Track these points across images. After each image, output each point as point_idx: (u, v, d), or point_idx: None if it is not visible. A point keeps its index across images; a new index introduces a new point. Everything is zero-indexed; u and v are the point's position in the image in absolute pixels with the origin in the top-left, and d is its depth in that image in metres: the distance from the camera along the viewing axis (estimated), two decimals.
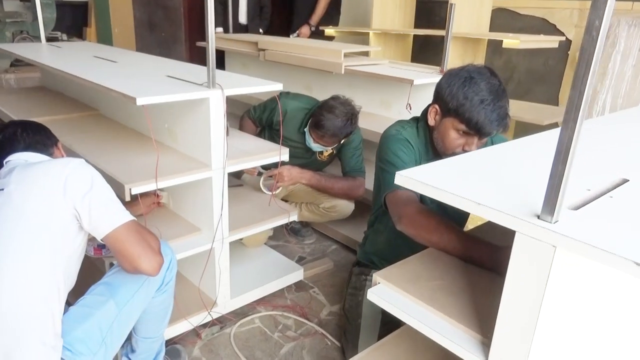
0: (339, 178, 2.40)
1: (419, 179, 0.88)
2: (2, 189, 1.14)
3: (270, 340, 1.87)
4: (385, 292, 1.05)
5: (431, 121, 1.46)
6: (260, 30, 4.66)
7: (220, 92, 1.61)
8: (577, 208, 0.81)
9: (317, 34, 4.15)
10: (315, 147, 2.30)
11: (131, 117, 2.13)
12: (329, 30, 3.99)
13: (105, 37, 6.04)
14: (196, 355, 1.77)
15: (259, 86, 1.78)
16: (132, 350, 1.49)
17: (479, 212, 0.80)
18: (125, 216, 1.20)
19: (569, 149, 0.70)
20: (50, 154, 1.38)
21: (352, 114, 2.22)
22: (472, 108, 1.31)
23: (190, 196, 1.84)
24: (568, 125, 0.69)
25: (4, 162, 1.29)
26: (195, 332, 1.85)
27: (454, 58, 3.29)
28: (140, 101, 1.44)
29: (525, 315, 0.77)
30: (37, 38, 5.53)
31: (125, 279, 1.27)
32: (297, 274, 2.19)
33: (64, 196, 1.12)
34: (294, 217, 2.05)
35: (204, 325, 1.87)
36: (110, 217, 1.17)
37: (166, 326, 1.54)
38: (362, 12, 3.84)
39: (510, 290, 0.79)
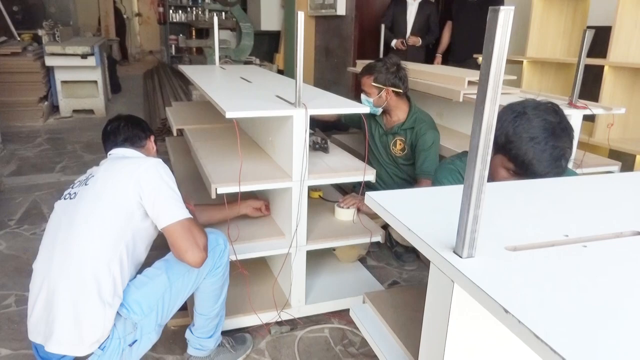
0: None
1: (377, 199, 0.90)
2: (93, 175, 1.50)
3: (331, 352, 1.93)
4: (365, 312, 1.06)
5: None
6: (420, 42, 4.74)
7: (303, 111, 1.77)
8: (514, 249, 0.74)
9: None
10: (364, 99, 2.51)
11: (255, 130, 2.44)
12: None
13: (289, 62, 6.80)
14: (261, 348, 1.94)
15: (346, 107, 1.89)
16: (193, 324, 1.73)
17: (408, 237, 0.79)
18: (181, 214, 1.43)
19: (474, 181, 0.66)
20: (143, 146, 1.74)
21: (396, 64, 2.50)
22: (520, 145, 1.21)
23: (279, 203, 2.04)
24: (474, 161, 0.66)
25: (108, 154, 1.67)
26: (268, 327, 2.02)
27: (619, 91, 2.90)
28: (229, 114, 1.68)
29: (435, 340, 0.74)
30: (237, 62, 6.55)
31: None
32: None
33: (133, 189, 1.41)
34: (377, 238, 2.08)
35: (279, 323, 2.03)
36: (168, 213, 1.42)
37: (219, 308, 1.71)
38: (521, 38, 3.61)
39: (426, 318, 0.76)
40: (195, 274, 1.54)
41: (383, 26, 3.81)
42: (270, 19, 7.24)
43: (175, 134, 2.69)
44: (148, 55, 13.49)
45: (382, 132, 2.62)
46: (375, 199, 0.90)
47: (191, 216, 1.47)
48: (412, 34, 4.83)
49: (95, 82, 5.94)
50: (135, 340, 1.45)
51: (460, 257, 0.69)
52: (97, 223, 1.40)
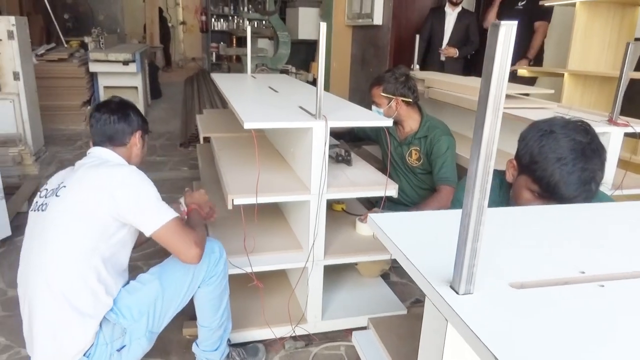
0: (428, 201, 2.35)
1: (378, 221, 0.85)
2: (65, 186, 1.43)
3: None
4: (368, 339, 1.00)
5: (508, 176, 1.29)
6: (457, 53, 4.63)
7: (323, 123, 1.74)
8: (521, 287, 0.67)
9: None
10: (375, 109, 2.47)
11: (279, 141, 2.42)
12: (521, 71, 3.71)
13: (325, 71, 6.79)
14: None
15: (367, 120, 1.84)
16: (198, 338, 1.71)
17: (405, 267, 0.73)
18: (164, 217, 1.41)
19: (472, 212, 0.60)
20: (125, 144, 1.61)
21: (404, 75, 2.47)
22: (546, 166, 1.13)
23: (298, 215, 2.00)
24: (472, 189, 0.60)
25: (87, 152, 1.59)
26: (282, 341, 1.98)
27: None
28: (247, 125, 1.66)
29: None
30: (273, 70, 6.61)
31: (175, 266, 1.52)
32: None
33: (107, 204, 1.37)
34: None
35: (294, 339, 1.99)
36: (152, 220, 1.40)
37: (221, 319, 1.68)
38: (563, 49, 3.45)
39: (420, 356, 0.70)
40: (189, 281, 1.54)
41: (418, 36, 3.74)
42: (307, 28, 7.27)
43: (201, 141, 2.70)
44: (191, 62, 13.82)
45: (397, 144, 2.57)
46: (376, 221, 0.84)
47: (176, 215, 1.45)
48: (449, 44, 4.73)
49: (136, 88, 6.12)
50: (124, 346, 1.45)
51: (457, 293, 0.63)
52: (68, 238, 1.37)
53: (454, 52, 4.66)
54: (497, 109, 0.55)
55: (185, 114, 6.38)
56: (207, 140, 2.79)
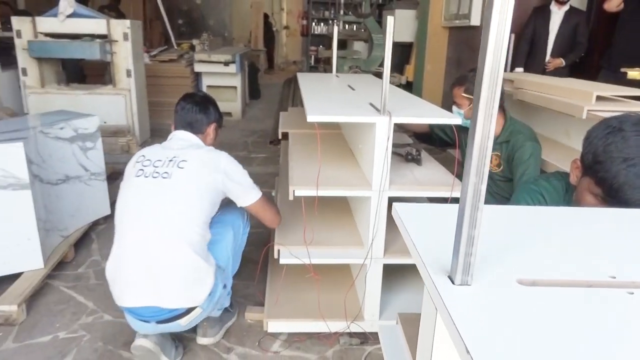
0: None
1: (399, 210, 0.82)
2: (178, 160, 1.72)
3: None
4: (394, 334, 0.97)
5: (572, 178, 1.18)
6: (563, 63, 4.31)
7: (387, 119, 1.71)
8: (532, 284, 0.61)
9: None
10: (455, 110, 2.37)
11: (351, 137, 2.43)
12: (632, 73, 3.35)
13: (419, 74, 6.67)
14: (327, 356, 1.91)
15: (435, 117, 1.78)
16: None
17: (412, 254, 0.70)
18: (258, 193, 1.84)
19: (468, 196, 0.56)
20: (202, 132, 1.91)
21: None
22: (610, 167, 1.01)
23: (360, 211, 2.00)
24: (468, 173, 0.56)
25: (170, 136, 1.89)
26: (336, 336, 1.98)
27: None
28: (310, 118, 1.70)
29: None
30: (366, 72, 6.62)
31: (234, 215, 1.94)
32: None
33: (222, 179, 1.75)
34: None
35: (350, 335, 1.98)
36: (250, 195, 1.83)
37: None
38: None
39: (418, 349, 0.67)
40: (242, 227, 1.99)
41: (512, 36, 3.53)
42: (403, 31, 7.18)
43: (279, 136, 2.79)
44: (292, 65, 14.32)
45: None
46: (397, 209, 0.82)
47: (262, 192, 1.85)
48: (554, 47, 4.40)
49: (235, 87, 6.47)
50: (225, 285, 1.83)
51: (453, 283, 0.60)
52: (193, 202, 1.69)
53: (560, 63, 4.33)
54: (495, 83, 0.51)
55: (278, 114, 6.63)
56: (287, 137, 2.88)
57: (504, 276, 0.61)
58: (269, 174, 4.19)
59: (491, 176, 2.41)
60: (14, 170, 2.11)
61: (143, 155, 1.78)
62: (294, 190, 1.79)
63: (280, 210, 2.03)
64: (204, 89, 6.39)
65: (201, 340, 1.93)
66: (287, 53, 14.73)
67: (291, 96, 7.63)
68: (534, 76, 3.18)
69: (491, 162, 2.36)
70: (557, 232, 0.79)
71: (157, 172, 1.69)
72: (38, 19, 4.24)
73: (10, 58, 7.15)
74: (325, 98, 2.21)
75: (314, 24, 10.98)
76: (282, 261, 1.87)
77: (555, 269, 0.65)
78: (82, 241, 2.75)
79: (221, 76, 6.27)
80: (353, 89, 2.58)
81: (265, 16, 11.91)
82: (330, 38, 11.15)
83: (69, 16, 4.20)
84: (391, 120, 1.71)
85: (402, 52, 7.35)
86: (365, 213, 1.89)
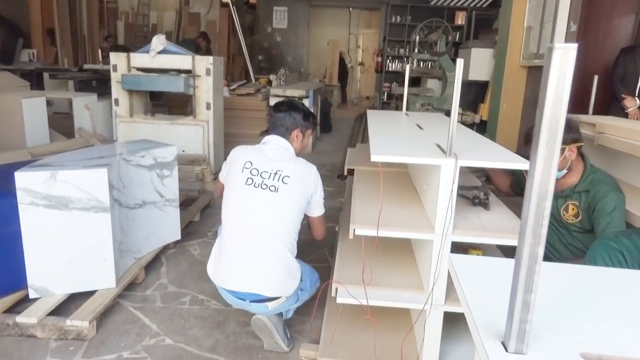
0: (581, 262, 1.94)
1: (454, 260, 0.78)
2: (282, 175, 2.00)
3: None
4: None
5: None
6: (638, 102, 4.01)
7: (453, 161, 1.67)
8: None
9: None
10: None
11: (416, 177, 2.38)
12: None
13: (493, 113, 6.48)
14: None
15: (504, 162, 1.71)
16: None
17: (465, 313, 0.66)
18: (323, 210, 2.15)
19: (523, 258, 0.53)
20: (288, 137, 2.15)
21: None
22: None
23: (422, 254, 1.93)
24: (524, 233, 0.53)
25: (265, 139, 2.16)
26: None
27: None
28: (374, 157, 1.69)
29: None
30: (438, 110, 6.56)
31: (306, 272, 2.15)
32: None
33: (313, 189, 2.05)
34: None
35: None
36: (321, 208, 2.13)
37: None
38: None
39: None
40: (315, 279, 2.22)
41: (596, 77, 3.34)
42: (479, 69, 7.05)
43: (345, 172, 2.80)
44: (364, 100, 14.48)
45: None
46: (452, 261, 0.78)
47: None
48: None
49: None
50: (302, 289, 2.08)
51: (506, 350, 0.55)
52: (293, 213, 2.01)
53: (635, 104, 4.03)
54: (553, 141, 0.48)
55: (348, 148, 6.69)
56: (349, 173, 2.89)
57: (566, 347, 0.56)
58: (334, 208, 4.20)
59: (567, 227, 2.25)
60: (97, 194, 2.28)
61: (250, 162, 2.05)
62: (354, 229, 1.78)
63: (340, 246, 2.17)
64: None
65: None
66: (361, 88, 14.94)
67: (361, 132, 7.70)
68: (618, 120, 2.98)
69: (568, 212, 2.22)
70: (635, 300, 0.72)
71: (265, 185, 1.99)
72: (132, 55, 4.63)
73: (106, 89, 7.88)
74: (391, 137, 2.20)
75: (388, 61, 11.10)
76: (339, 300, 1.85)
77: (628, 344, 0.59)
78: (153, 264, 2.88)
79: None
80: (421, 128, 2.55)
81: (341, 53, 12.22)
82: (404, 75, 11.16)
83: (159, 52, 4.55)
84: (457, 163, 1.67)
85: (477, 90, 7.20)
86: (427, 256, 1.83)
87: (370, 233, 1.77)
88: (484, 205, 2.01)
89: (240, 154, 2.11)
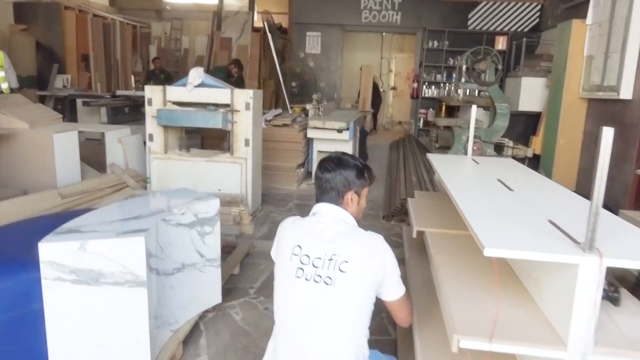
0: None
1: None
2: (339, 261, 1.55)
3: None
4: None
5: None
6: None
7: (597, 260, 1.27)
8: None
9: None
10: None
11: None
12: None
13: (548, 147, 6.01)
14: None
15: None
16: None
17: None
18: (403, 288, 1.64)
19: None
20: (340, 203, 1.70)
21: None
22: None
23: None
24: None
25: (315, 209, 1.72)
26: None
27: None
28: (488, 252, 1.31)
29: None
30: (486, 143, 6.13)
31: None
32: None
33: (380, 272, 1.57)
34: None
35: None
36: (398, 290, 1.63)
37: None
38: None
39: None
40: None
41: None
42: (530, 99, 6.62)
43: (414, 235, 2.41)
44: (396, 125, 14.10)
45: None
46: None
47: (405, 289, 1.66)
48: None
49: None
50: None
51: None
52: (356, 306, 1.57)
53: None
54: None
55: (390, 183, 6.29)
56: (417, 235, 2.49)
57: None
58: None
59: None
60: (133, 266, 1.95)
61: (299, 246, 1.64)
62: (458, 340, 1.39)
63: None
64: (314, 154, 6.29)
65: None
66: (393, 113, 14.58)
67: (401, 162, 7.29)
68: None
69: None
70: None
71: (319, 276, 1.58)
72: (168, 89, 4.38)
73: (138, 115, 7.73)
74: (485, 209, 1.81)
75: (424, 87, 10.73)
76: None
77: None
78: (191, 335, 2.53)
79: (333, 142, 6.12)
80: (510, 189, 2.15)
81: (374, 78, 11.91)
82: (441, 101, 10.71)
83: (197, 86, 4.29)
84: (602, 264, 1.27)
85: (528, 121, 6.76)
86: None
87: (480, 346, 1.38)
88: (613, 300, 1.59)
89: (288, 235, 1.71)
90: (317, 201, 1.76)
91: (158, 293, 2.20)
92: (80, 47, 9.90)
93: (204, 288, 2.61)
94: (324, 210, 1.71)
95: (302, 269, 1.60)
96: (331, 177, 1.70)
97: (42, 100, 8.72)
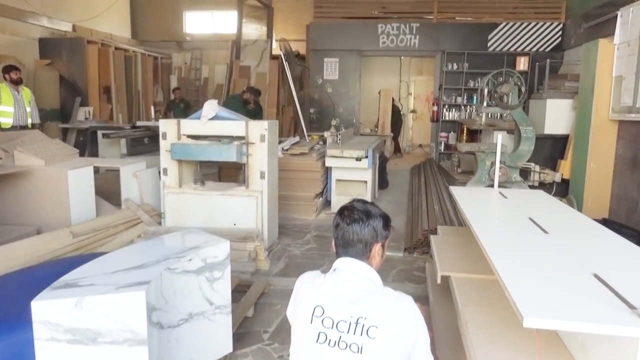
0: None
1: None
2: (366, 325, 1.40)
3: None
4: None
5: None
6: None
7: None
8: None
9: None
10: None
11: None
12: None
13: (578, 171, 5.73)
14: None
15: None
16: None
17: None
18: (431, 354, 1.47)
19: None
20: (366, 257, 1.55)
21: None
22: None
23: None
24: None
25: (336, 265, 1.57)
26: None
27: None
28: (528, 322, 1.12)
29: None
30: (511, 168, 5.88)
31: None
32: None
33: (411, 339, 1.43)
34: None
35: None
36: (427, 357, 1.46)
37: None
38: None
39: None
40: None
41: None
42: (556, 122, 6.37)
43: (438, 281, 2.22)
44: (417, 148, 13.88)
45: None
46: None
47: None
48: None
49: (365, 182, 6.12)
50: None
51: None
52: None
53: None
54: None
55: (412, 212, 6.06)
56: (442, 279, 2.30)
57: None
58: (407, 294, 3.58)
59: None
60: (132, 323, 1.80)
61: (321, 307, 1.49)
62: None
63: None
64: (333, 183, 6.13)
65: None
66: (413, 136, 14.39)
67: (423, 189, 7.07)
68: None
69: None
70: None
71: (344, 342, 1.43)
72: (183, 122, 4.31)
73: (157, 145, 7.73)
74: (517, 257, 1.61)
75: (444, 109, 10.54)
76: None
77: None
78: None
79: (352, 170, 5.97)
80: (545, 231, 1.95)
81: (393, 100, 11.78)
82: (462, 124, 10.47)
83: (211, 119, 4.21)
84: None
85: (555, 145, 6.49)
86: None
87: None
88: None
89: (307, 294, 1.56)
90: (339, 255, 1.61)
91: (161, 348, 2.04)
92: (102, 79, 10.08)
93: (213, 338, 2.44)
94: (346, 266, 1.57)
95: (325, 334, 1.45)
96: (359, 228, 1.56)
97: (65, 132, 8.85)
